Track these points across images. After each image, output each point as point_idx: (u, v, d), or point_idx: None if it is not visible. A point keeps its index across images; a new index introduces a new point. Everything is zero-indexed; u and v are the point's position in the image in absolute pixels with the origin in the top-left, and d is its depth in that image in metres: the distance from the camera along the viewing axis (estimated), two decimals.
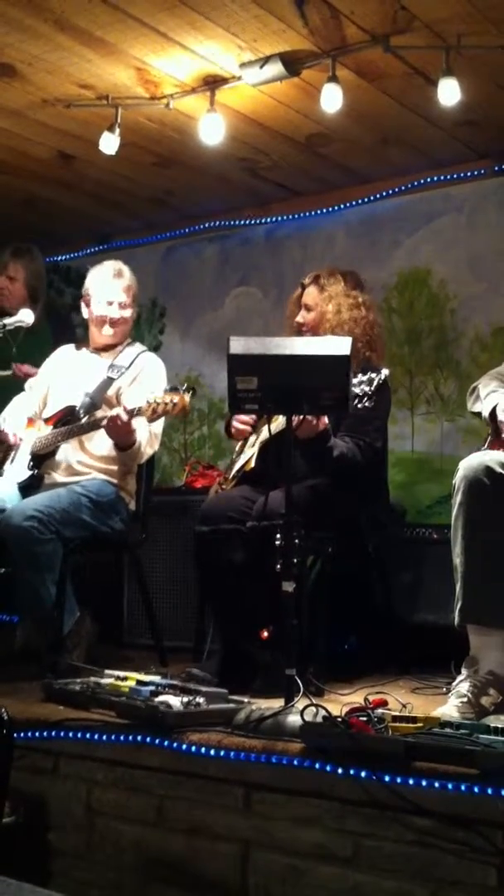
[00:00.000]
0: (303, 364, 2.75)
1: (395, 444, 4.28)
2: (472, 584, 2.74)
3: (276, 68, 3.60)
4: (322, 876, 2.33)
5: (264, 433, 3.37)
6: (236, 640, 3.23)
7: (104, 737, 2.70)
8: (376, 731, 2.34)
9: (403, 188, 4.63)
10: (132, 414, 3.35)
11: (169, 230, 5.37)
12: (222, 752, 2.49)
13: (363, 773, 2.26)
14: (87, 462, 3.66)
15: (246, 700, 2.72)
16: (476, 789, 2.13)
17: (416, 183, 4.58)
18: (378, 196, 4.70)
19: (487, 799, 2.12)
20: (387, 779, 2.23)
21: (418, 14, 3.31)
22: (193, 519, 3.45)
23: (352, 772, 2.28)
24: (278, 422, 3.24)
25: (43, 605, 3.37)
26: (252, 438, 3.61)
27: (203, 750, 2.51)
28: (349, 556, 3.43)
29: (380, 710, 2.50)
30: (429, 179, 4.55)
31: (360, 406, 3.21)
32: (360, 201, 4.76)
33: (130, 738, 2.64)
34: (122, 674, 2.97)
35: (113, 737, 2.68)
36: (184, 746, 2.54)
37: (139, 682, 2.85)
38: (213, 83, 3.81)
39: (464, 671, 2.77)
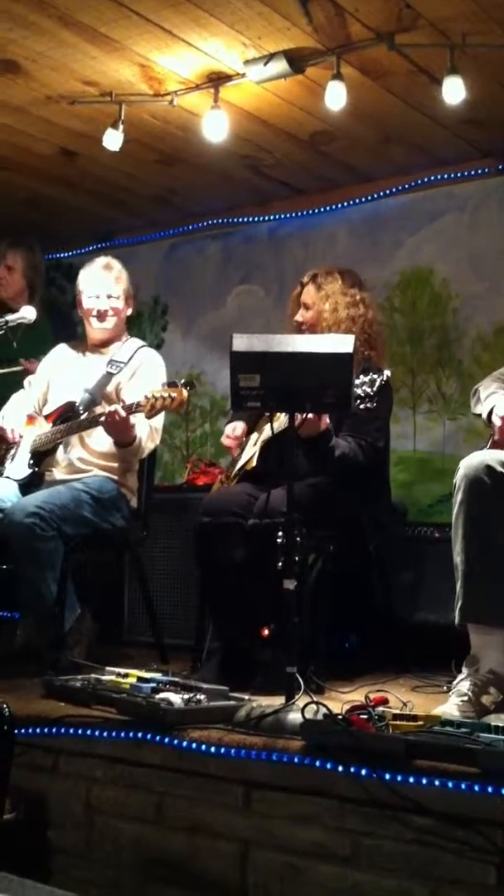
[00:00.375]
0: (305, 362, 2.75)
1: (397, 443, 4.28)
2: (473, 583, 2.74)
3: (280, 65, 3.60)
4: (321, 874, 2.33)
5: (266, 431, 3.37)
6: (237, 637, 3.23)
7: (104, 733, 2.70)
8: (377, 729, 2.34)
9: (406, 187, 4.63)
10: (130, 410, 3.34)
11: (171, 228, 5.37)
12: (223, 750, 2.49)
13: (363, 772, 2.25)
14: (87, 459, 3.65)
15: (247, 697, 2.72)
16: (476, 788, 2.13)
17: (419, 181, 4.58)
18: (381, 194, 4.70)
19: (487, 798, 2.12)
20: (387, 777, 2.22)
21: (423, 12, 3.31)
22: (195, 517, 3.45)
23: (352, 770, 2.27)
24: (280, 420, 3.24)
25: (44, 602, 3.37)
26: (254, 437, 3.61)
27: (203, 747, 2.51)
28: (350, 554, 3.43)
29: (380, 709, 2.50)
30: (432, 178, 4.55)
31: (361, 407, 3.21)
32: (362, 200, 4.76)
33: (131, 734, 2.64)
34: (122, 671, 2.98)
35: (113, 734, 2.68)
36: (184, 744, 2.54)
37: (140, 679, 2.85)
38: (216, 80, 3.81)
39: (464, 670, 2.77)
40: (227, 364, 2.78)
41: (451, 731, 2.30)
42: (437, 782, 2.18)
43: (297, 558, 2.71)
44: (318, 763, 2.34)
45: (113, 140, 4.04)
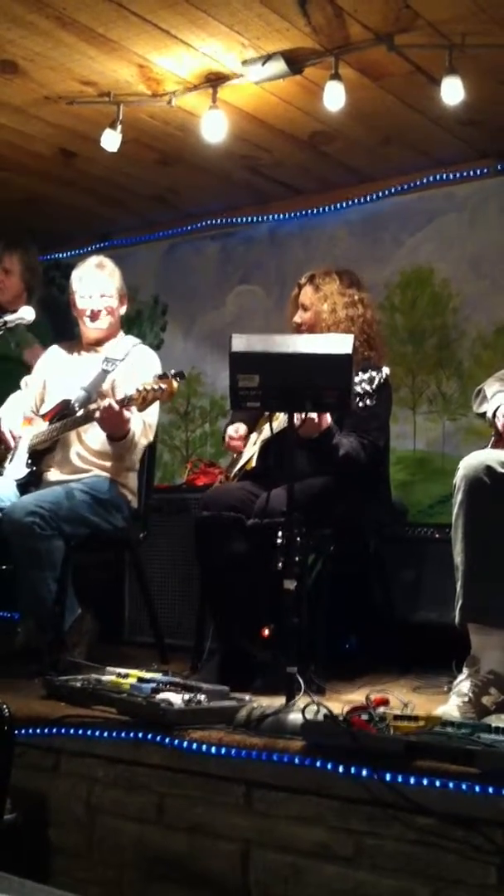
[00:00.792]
0: (305, 362, 2.75)
1: (397, 442, 4.28)
2: (473, 583, 2.74)
3: (278, 66, 3.60)
4: (323, 874, 2.33)
5: (265, 431, 3.37)
6: (237, 637, 3.23)
7: (105, 734, 2.70)
8: (377, 729, 2.34)
9: (405, 187, 4.62)
10: (123, 403, 3.34)
11: (170, 228, 5.37)
12: (223, 750, 2.49)
13: (364, 772, 2.26)
14: (86, 456, 3.65)
15: (247, 698, 2.72)
16: (477, 788, 2.14)
17: (418, 182, 4.58)
18: (380, 195, 4.70)
19: (488, 798, 2.12)
20: (388, 777, 2.23)
21: (422, 13, 3.30)
22: (194, 517, 3.45)
23: (353, 770, 2.28)
24: (279, 420, 3.24)
25: (44, 603, 3.37)
26: (253, 437, 3.61)
27: (204, 748, 2.51)
28: (350, 554, 3.43)
29: (381, 709, 2.50)
30: (431, 178, 4.55)
31: (361, 405, 3.21)
32: (361, 200, 4.76)
33: (131, 735, 2.64)
34: (123, 671, 2.97)
35: (114, 734, 2.68)
36: (185, 744, 2.54)
37: (140, 680, 2.85)
38: (215, 80, 3.80)
39: (465, 670, 2.77)
40: (226, 364, 2.78)
41: (452, 731, 2.30)
42: (437, 783, 2.18)
43: (297, 558, 2.71)
44: (318, 763, 2.35)
45: (111, 140, 4.03)
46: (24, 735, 2.73)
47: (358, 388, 3.18)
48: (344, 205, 4.81)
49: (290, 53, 3.57)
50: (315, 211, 4.91)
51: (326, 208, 4.87)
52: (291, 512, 2.74)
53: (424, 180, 4.56)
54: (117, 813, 2.69)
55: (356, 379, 3.15)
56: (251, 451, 3.52)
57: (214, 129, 3.93)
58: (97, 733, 2.71)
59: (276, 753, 2.42)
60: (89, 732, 2.73)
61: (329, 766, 2.33)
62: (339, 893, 2.30)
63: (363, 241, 4.75)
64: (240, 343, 2.77)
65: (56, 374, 3.84)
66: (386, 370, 3.34)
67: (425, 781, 2.19)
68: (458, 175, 4.49)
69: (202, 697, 2.67)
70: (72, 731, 2.76)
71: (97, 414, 3.41)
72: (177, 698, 2.64)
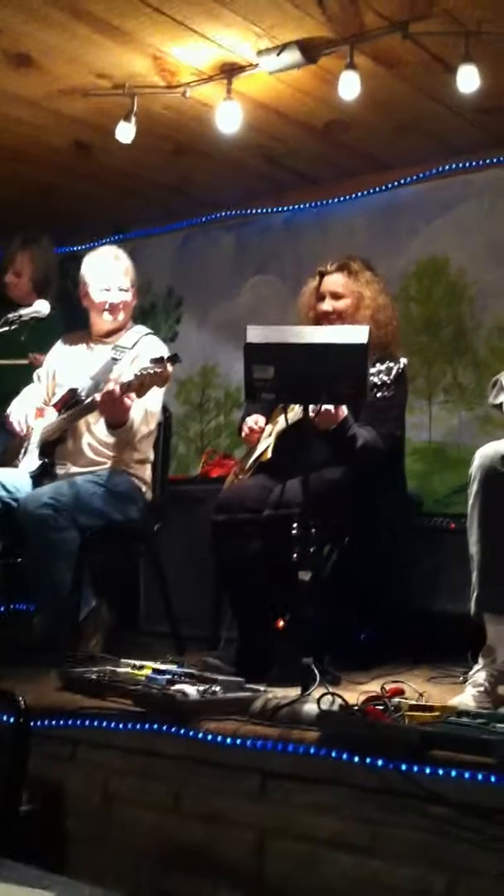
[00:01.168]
0: (320, 353, 2.74)
1: (413, 433, 4.26)
2: (489, 573, 2.74)
3: (293, 56, 3.59)
4: (339, 863, 2.34)
5: (280, 423, 3.37)
6: (253, 628, 3.23)
7: (121, 725, 2.71)
8: (392, 719, 2.35)
9: (422, 176, 4.60)
10: (123, 388, 3.34)
11: (185, 219, 5.37)
12: (239, 741, 2.50)
13: (380, 762, 2.26)
14: (97, 447, 3.65)
15: (262, 689, 2.73)
16: (492, 779, 2.13)
17: (434, 170, 4.55)
18: (396, 184, 4.68)
19: (503, 788, 2.12)
20: (403, 767, 2.23)
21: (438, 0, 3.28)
22: (210, 508, 3.45)
23: (368, 760, 2.28)
24: (295, 411, 3.23)
25: (59, 594, 3.38)
26: (268, 428, 3.60)
27: (220, 738, 2.52)
28: (365, 545, 3.42)
29: (396, 699, 2.51)
30: (447, 167, 4.53)
31: (378, 395, 3.20)
32: (377, 189, 4.74)
33: (147, 726, 2.65)
34: (138, 662, 2.98)
35: (130, 725, 2.69)
36: (200, 735, 2.55)
37: (156, 671, 2.86)
38: (230, 71, 3.79)
39: (480, 660, 2.76)
40: (241, 356, 2.78)
41: (467, 721, 2.30)
42: (453, 773, 2.18)
43: (312, 549, 2.71)
44: (334, 753, 2.35)
45: (125, 132, 4.03)
46: (40, 726, 2.74)
47: (375, 379, 3.17)
48: (359, 194, 4.79)
49: (305, 43, 3.56)
50: (330, 200, 4.89)
51: (342, 198, 4.85)
52: (307, 503, 2.74)
53: (440, 169, 4.54)
54: (134, 802, 2.71)
55: (373, 369, 3.14)
56: (266, 443, 3.52)
57: (229, 119, 3.92)
58: (113, 724, 2.72)
59: (291, 743, 2.42)
60: (105, 724, 2.74)
61: (344, 756, 2.33)
62: (355, 882, 2.30)
63: (379, 230, 4.73)
64: (255, 334, 2.77)
65: (66, 366, 3.85)
66: (403, 360, 3.33)
67: (441, 771, 2.19)
68: (474, 163, 4.47)
69: (217, 689, 2.67)
70: (88, 722, 2.77)
71: (97, 397, 3.42)
72: (192, 689, 2.65)
